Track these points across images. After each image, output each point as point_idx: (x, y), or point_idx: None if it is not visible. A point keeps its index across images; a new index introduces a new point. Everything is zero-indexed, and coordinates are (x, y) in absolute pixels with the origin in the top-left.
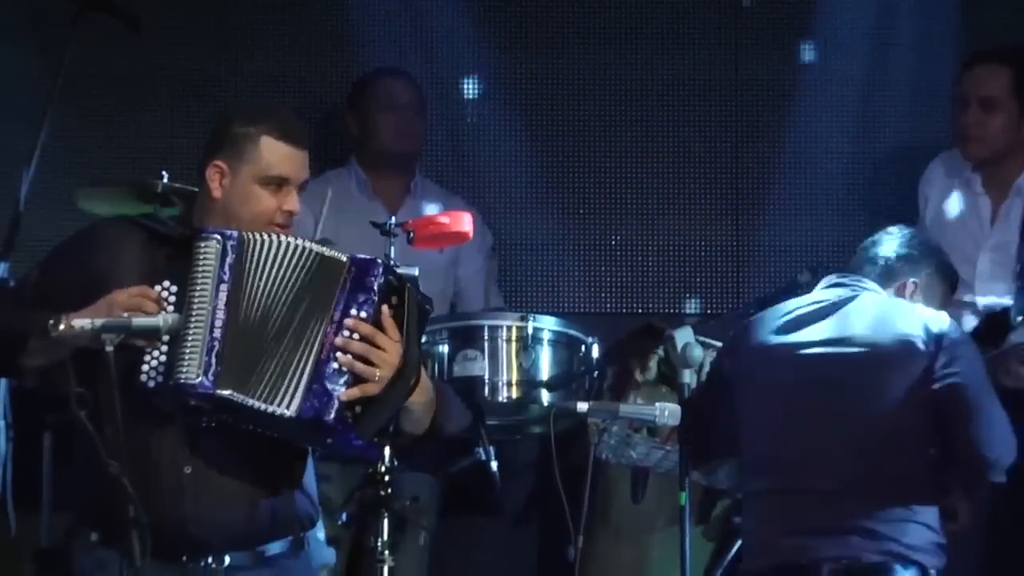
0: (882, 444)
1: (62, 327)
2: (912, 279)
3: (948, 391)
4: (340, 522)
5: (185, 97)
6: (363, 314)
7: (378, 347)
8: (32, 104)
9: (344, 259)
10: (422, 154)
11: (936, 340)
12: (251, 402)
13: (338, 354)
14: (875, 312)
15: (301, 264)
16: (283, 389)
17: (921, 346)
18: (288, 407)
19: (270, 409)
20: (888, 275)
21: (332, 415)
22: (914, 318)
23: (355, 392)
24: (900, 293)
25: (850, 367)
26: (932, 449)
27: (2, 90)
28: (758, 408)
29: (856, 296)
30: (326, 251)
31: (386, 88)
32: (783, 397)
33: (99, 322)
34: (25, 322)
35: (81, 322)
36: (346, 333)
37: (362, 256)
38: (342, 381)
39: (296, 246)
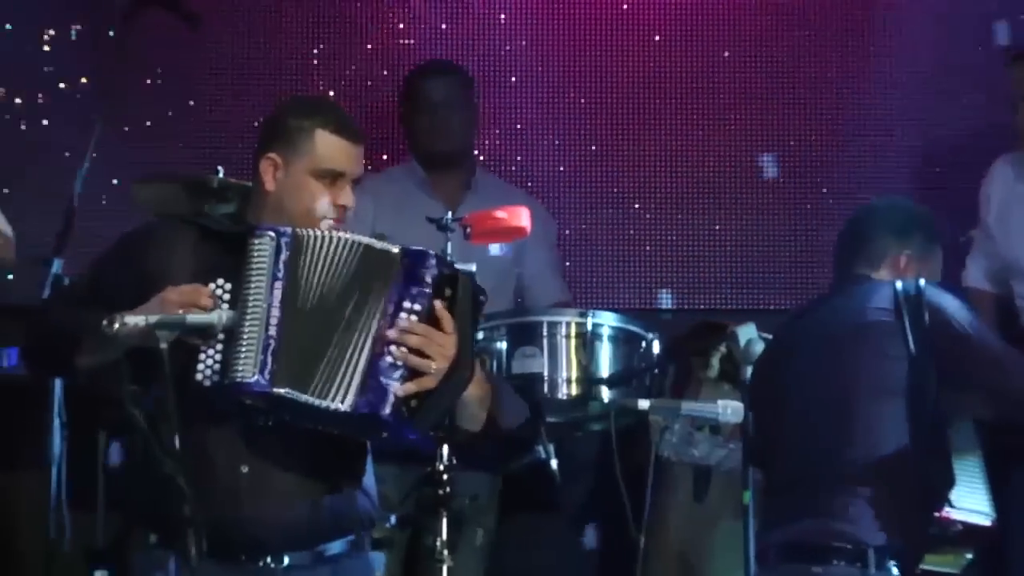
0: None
1: (116, 325)
2: (905, 252)
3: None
4: (390, 524)
5: (241, 90)
6: (417, 306)
7: (432, 340)
8: (86, 99)
9: (396, 251)
10: (477, 147)
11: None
12: (305, 398)
13: (392, 347)
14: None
15: (353, 258)
16: (337, 384)
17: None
18: (342, 402)
19: (324, 404)
20: (874, 255)
21: (387, 410)
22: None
23: (411, 386)
24: (895, 270)
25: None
26: None
27: (55, 85)
28: None
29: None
30: (377, 244)
31: (420, 89)
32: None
33: (153, 319)
34: (79, 322)
35: (135, 319)
36: (400, 326)
37: (415, 248)
38: (397, 375)
39: (348, 241)
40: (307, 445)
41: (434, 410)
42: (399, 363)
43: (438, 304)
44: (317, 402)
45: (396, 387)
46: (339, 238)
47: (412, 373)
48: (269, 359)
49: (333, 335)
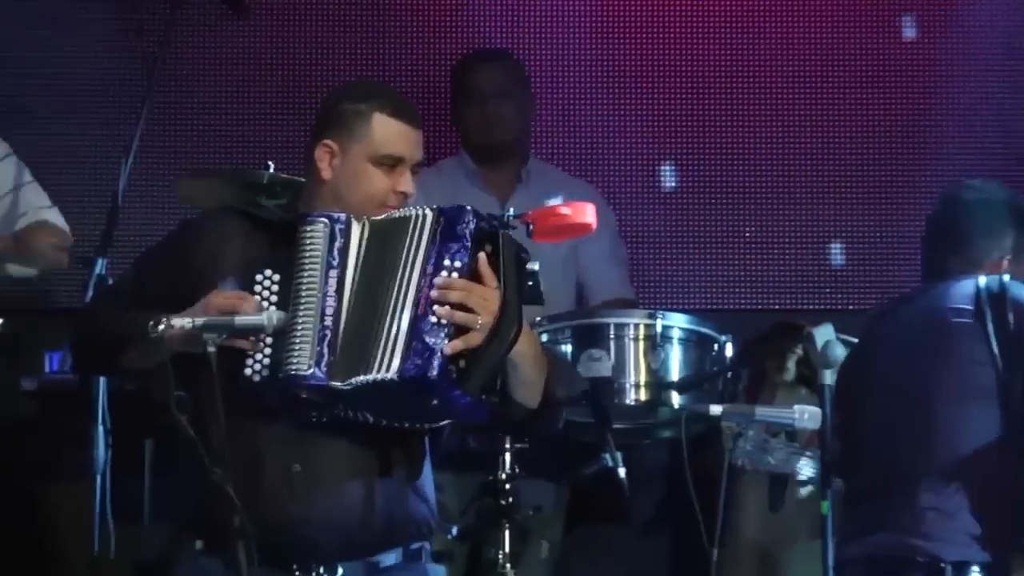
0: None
1: (161, 327)
2: (1006, 256)
3: None
4: (451, 536)
5: (291, 83)
6: (457, 263)
7: (475, 294)
8: (130, 92)
9: (431, 211)
10: (534, 136)
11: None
12: (358, 379)
13: (435, 307)
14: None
15: (394, 229)
16: (381, 352)
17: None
18: (388, 370)
19: (370, 377)
20: (972, 258)
21: (435, 371)
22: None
23: (458, 344)
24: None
25: None
26: None
27: (99, 77)
28: None
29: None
30: (412, 209)
31: (468, 77)
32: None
33: (200, 321)
34: (124, 323)
35: (181, 322)
36: (441, 284)
37: (450, 206)
38: (443, 334)
39: (388, 216)
40: (361, 443)
41: (484, 368)
42: (443, 322)
43: (480, 258)
44: (361, 379)
45: (442, 345)
46: (382, 216)
47: (458, 331)
48: (326, 351)
49: (379, 309)
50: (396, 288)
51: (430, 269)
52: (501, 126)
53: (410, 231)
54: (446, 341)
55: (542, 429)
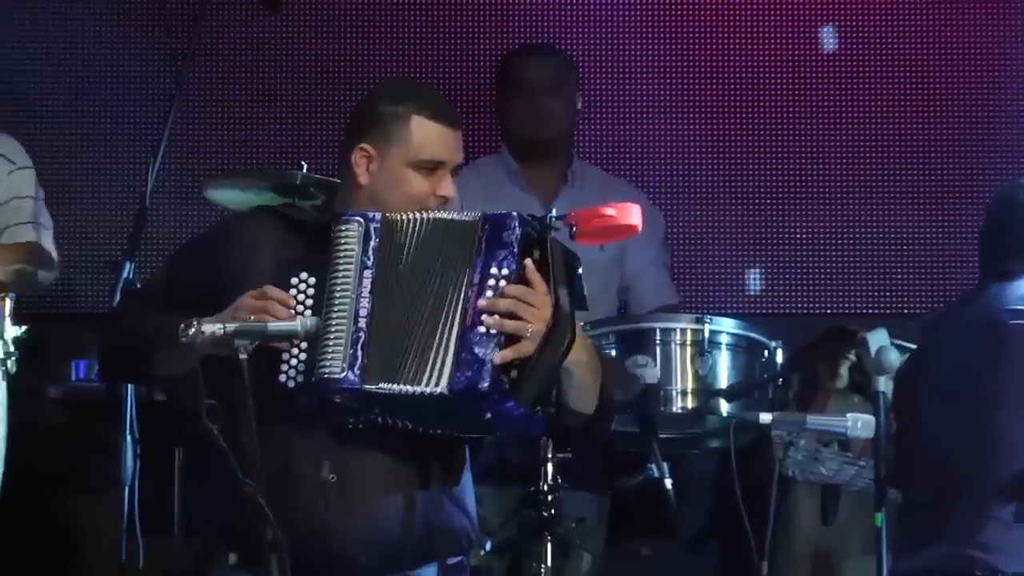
0: None
1: (192, 331)
2: None
3: None
4: (485, 551)
5: (324, 79)
6: (504, 271)
7: (525, 301)
8: (158, 89)
9: (476, 218)
10: (576, 137)
11: None
12: (398, 388)
13: (484, 317)
14: None
15: (434, 234)
16: (430, 366)
17: None
18: (438, 384)
19: (419, 390)
20: None
21: (487, 382)
22: None
23: (507, 353)
24: None
25: None
26: None
27: (125, 75)
28: None
29: None
30: (454, 215)
31: (516, 70)
32: None
33: (231, 327)
34: (153, 327)
35: (212, 327)
36: (489, 293)
37: (495, 212)
38: (493, 344)
39: (428, 219)
40: (399, 452)
41: (537, 378)
42: (493, 332)
43: (528, 265)
44: (410, 389)
45: (493, 356)
46: (420, 217)
47: (508, 340)
48: (359, 353)
49: (422, 317)
50: (441, 298)
51: (476, 278)
52: (549, 122)
53: (454, 237)
54: (497, 351)
55: (598, 435)
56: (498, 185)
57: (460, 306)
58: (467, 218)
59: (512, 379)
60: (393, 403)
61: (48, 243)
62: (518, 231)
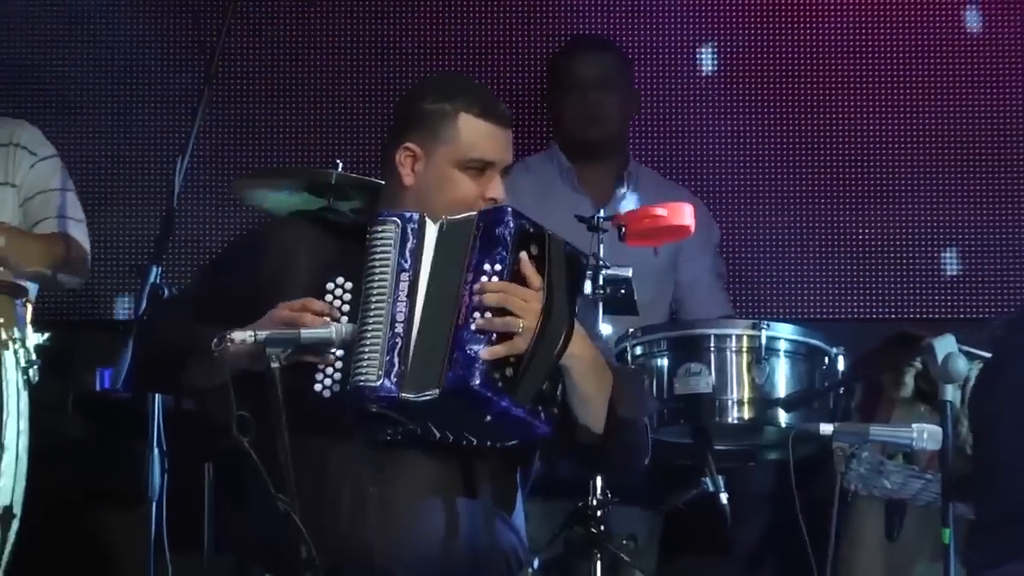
0: None
1: (224, 342)
2: None
3: None
4: (532, 569)
5: (362, 74)
6: (497, 267)
7: (515, 295)
8: (186, 85)
9: (472, 215)
10: (630, 137)
11: None
12: (426, 394)
13: (475, 314)
14: None
15: (444, 235)
16: (431, 369)
17: None
18: (434, 388)
19: (423, 396)
20: None
21: (477, 379)
22: None
23: (498, 349)
24: None
25: None
26: None
27: (152, 69)
28: None
29: None
30: (456, 215)
31: (568, 65)
32: None
33: (263, 335)
34: (186, 337)
35: (243, 335)
36: (478, 289)
37: (490, 208)
38: (484, 341)
39: (442, 220)
40: (443, 465)
41: (532, 374)
42: (482, 327)
43: (523, 259)
44: (427, 395)
45: (482, 352)
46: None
47: (500, 337)
48: (396, 360)
49: (437, 321)
50: (446, 298)
51: (470, 276)
52: (602, 121)
53: (455, 236)
54: (487, 347)
55: (614, 457)
56: (549, 185)
57: (454, 305)
58: (464, 216)
59: (506, 376)
60: (424, 411)
61: (79, 236)
62: (512, 225)
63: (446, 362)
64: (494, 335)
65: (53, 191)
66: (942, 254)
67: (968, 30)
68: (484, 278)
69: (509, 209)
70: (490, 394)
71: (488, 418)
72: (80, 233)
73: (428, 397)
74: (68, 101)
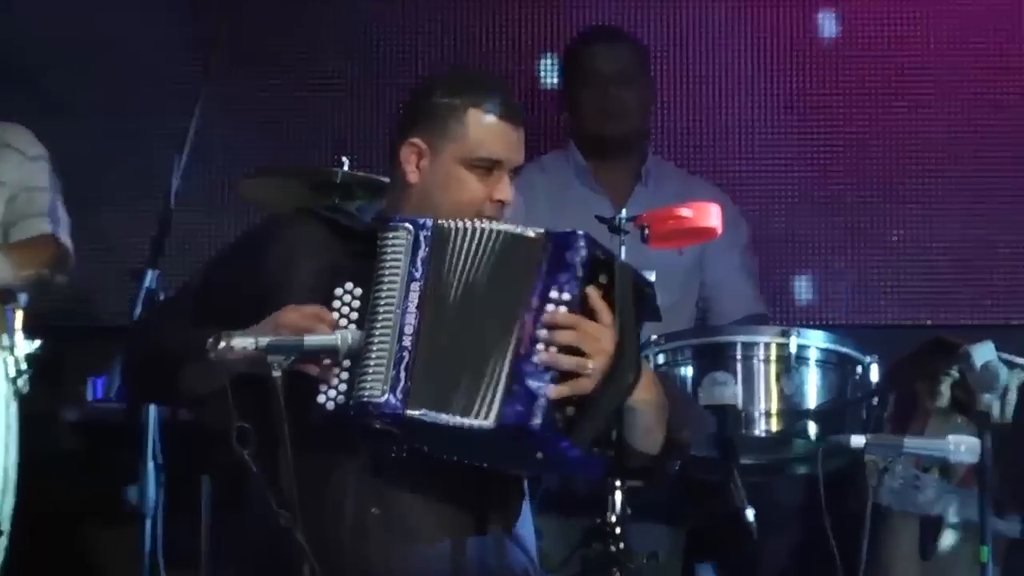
0: None
1: (221, 346)
2: None
3: None
4: None
5: (368, 67)
6: (566, 296)
7: (587, 333)
8: (183, 79)
9: (538, 235)
10: (652, 131)
11: None
12: (445, 419)
13: (539, 346)
14: None
15: (492, 249)
16: (480, 397)
17: None
18: (486, 417)
19: (466, 423)
20: None
21: (539, 420)
22: None
23: (563, 389)
24: None
25: None
26: None
27: (148, 63)
28: None
29: None
30: (517, 229)
31: (584, 58)
32: None
33: (264, 341)
34: (181, 340)
35: (243, 342)
36: (547, 320)
37: (560, 230)
38: (547, 378)
39: (486, 230)
40: (449, 481)
41: (595, 418)
42: (549, 364)
43: (592, 292)
44: (457, 421)
45: (547, 390)
46: (479, 228)
47: (565, 375)
48: (402, 375)
49: (474, 341)
50: (495, 320)
51: (535, 303)
52: (620, 116)
53: (513, 253)
54: (552, 385)
55: (661, 476)
56: (564, 184)
57: (515, 332)
58: (529, 234)
59: (568, 417)
60: (437, 433)
61: (65, 238)
62: (584, 252)
63: (503, 394)
64: (559, 372)
65: (40, 190)
66: (981, 256)
67: (995, 32)
68: (551, 306)
69: (582, 234)
70: (550, 435)
71: (540, 456)
72: (66, 235)
73: (475, 425)
74: (60, 97)
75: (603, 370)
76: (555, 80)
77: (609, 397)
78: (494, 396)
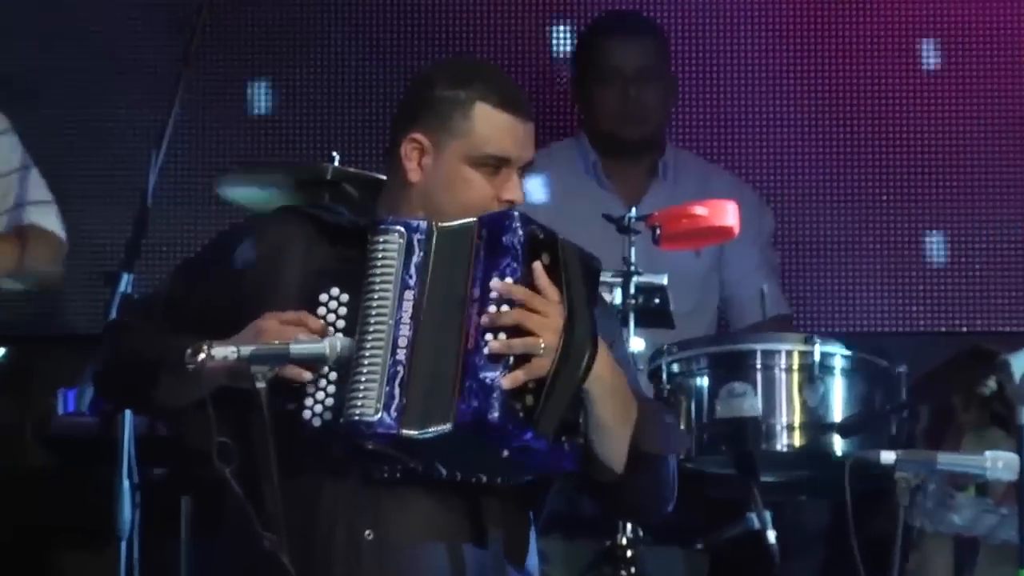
0: None
1: (201, 356)
2: None
3: None
4: None
5: (361, 57)
6: (508, 279)
7: (534, 309)
8: (161, 71)
9: (469, 223)
10: (672, 124)
11: None
12: (429, 430)
13: (488, 336)
14: None
15: (442, 246)
16: (438, 402)
17: None
18: (443, 421)
19: (429, 432)
20: None
21: (497, 411)
22: None
23: (519, 375)
24: None
25: None
26: None
27: (123, 54)
28: None
29: None
30: (452, 222)
31: (602, 52)
32: None
33: (246, 350)
34: (157, 348)
35: (224, 351)
36: (491, 308)
37: (491, 212)
38: (501, 367)
39: (436, 228)
40: (446, 503)
41: (555, 401)
42: (500, 351)
43: (536, 269)
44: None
45: (500, 380)
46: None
47: (518, 360)
48: (396, 392)
49: (443, 347)
50: (451, 320)
51: (476, 293)
52: (642, 117)
53: (461, 246)
54: (506, 373)
55: (634, 499)
56: (574, 179)
57: (463, 328)
58: (460, 223)
59: (527, 405)
60: (428, 449)
61: (42, 220)
62: (520, 233)
63: (455, 392)
64: (511, 359)
65: (9, 174)
66: (1020, 259)
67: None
68: (493, 294)
69: (515, 213)
70: (511, 427)
71: (506, 453)
72: (43, 216)
73: (435, 433)
74: (23, 85)
75: (555, 348)
76: (568, 50)
77: (566, 376)
78: (452, 397)
